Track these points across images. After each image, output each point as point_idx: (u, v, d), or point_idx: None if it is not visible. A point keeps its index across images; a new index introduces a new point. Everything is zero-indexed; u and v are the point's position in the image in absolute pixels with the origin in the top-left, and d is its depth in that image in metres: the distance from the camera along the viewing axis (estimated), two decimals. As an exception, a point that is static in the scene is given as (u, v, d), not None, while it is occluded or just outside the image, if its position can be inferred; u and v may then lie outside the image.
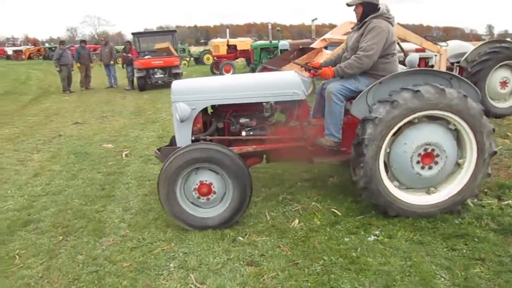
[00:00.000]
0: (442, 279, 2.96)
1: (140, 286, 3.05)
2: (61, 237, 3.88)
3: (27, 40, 72.58)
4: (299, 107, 4.24)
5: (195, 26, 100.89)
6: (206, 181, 3.76)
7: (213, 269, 3.22)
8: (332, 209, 4.08)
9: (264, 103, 4.09)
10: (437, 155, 3.72)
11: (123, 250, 3.58)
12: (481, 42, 8.72)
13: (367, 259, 3.21)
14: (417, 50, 7.89)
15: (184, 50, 27.38)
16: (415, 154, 3.70)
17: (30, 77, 23.57)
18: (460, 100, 3.59)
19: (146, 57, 15.64)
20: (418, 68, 4.07)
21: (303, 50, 8.25)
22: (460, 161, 3.85)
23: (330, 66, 4.08)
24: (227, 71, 18.59)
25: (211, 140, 4.15)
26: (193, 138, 4.14)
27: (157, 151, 4.29)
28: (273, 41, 16.75)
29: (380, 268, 3.09)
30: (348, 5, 4.08)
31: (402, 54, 7.51)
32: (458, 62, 8.37)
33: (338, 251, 3.35)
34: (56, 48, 17.11)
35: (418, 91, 3.54)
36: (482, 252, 3.25)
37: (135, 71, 15.30)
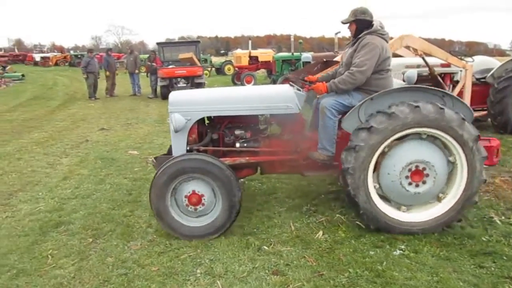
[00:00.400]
0: (470, 296, 2.95)
1: (168, 290, 3.13)
2: (91, 239, 4.00)
3: (53, 47, 74.84)
4: (293, 120, 4.31)
5: (216, 36, 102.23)
6: (196, 191, 3.85)
7: (239, 276, 3.27)
8: (357, 222, 4.09)
9: (259, 116, 4.18)
10: (426, 171, 3.74)
11: (151, 254, 3.67)
12: (507, 58, 8.63)
13: (393, 273, 3.21)
14: (442, 65, 7.85)
15: (206, 60, 27.80)
16: (404, 170, 3.73)
17: (57, 83, 24.29)
18: (438, 114, 3.58)
19: (170, 66, 15.95)
20: (410, 85, 4.06)
21: (327, 63, 8.29)
22: (441, 195, 3.87)
23: (324, 82, 4.13)
24: (248, 82, 18.78)
25: (204, 151, 4.25)
26: (188, 148, 4.23)
27: (154, 160, 4.40)
28: (295, 53, 16.86)
29: (406, 282, 3.09)
30: (343, 23, 4.20)
31: (427, 69, 7.50)
32: (484, 78, 8.31)
33: (363, 264, 3.36)
34: (84, 56, 17.61)
35: (392, 112, 3.59)
36: (511, 270, 3.21)
37: (158, 80, 15.62)
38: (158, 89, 16.06)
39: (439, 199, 3.87)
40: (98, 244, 3.91)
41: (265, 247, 3.71)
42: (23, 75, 26.78)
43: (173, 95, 4.34)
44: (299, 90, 4.27)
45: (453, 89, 7.89)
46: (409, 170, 3.73)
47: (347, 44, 4.39)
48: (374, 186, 3.82)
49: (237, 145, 4.32)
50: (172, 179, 3.80)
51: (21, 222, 4.48)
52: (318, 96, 4.38)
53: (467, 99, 7.73)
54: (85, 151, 7.70)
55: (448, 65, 7.77)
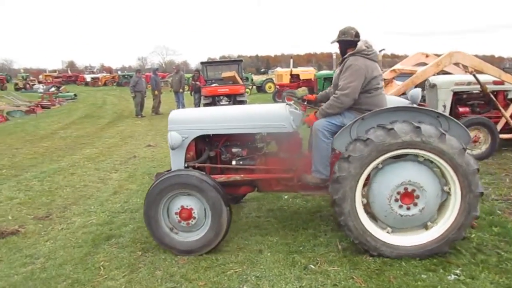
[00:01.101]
0: (535, 327, 2.75)
1: (216, 306, 3.14)
2: (140, 253, 4.12)
3: (102, 68, 78.72)
4: (289, 139, 4.31)
5: (256, 55, 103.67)
6: (187, 206, 3.93)
7: (286, 295, 3.24)
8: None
9: (255, 134, 4.26)
10: (416, 194, 3.60)
11: (197, 269, 3.72)
12: None
13: (448, 299, 3.06)
14: (495, 83, 7.54)
15: (247, 78, 28.23)
16: (393, 193, 3.61)
17: (106, 102, 25.50)
18: (437, 138, 3.44)
19: (213, 85, 16.33)
20: (403, 105, 3.94)
21: (372, 81, 8.21)
22: (429, 224, 3.72)
23: (314, 112, 4.16)
24: (289, 100, 18.80)
25: (201, 168, 4.33)
26: (186, 165, 4.32)
27: (155, 176, 4.49)
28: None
29: (463, 309, 2.94)
30: (331, 43, 4.25)
31: (478, 86, 7.24)
32: (540, 96, 7.89)
33: (415, 287, 3.23)
34: (133, 76, 18.40)
35: (368, 138, 3.51)
36: None
37: (202, 98, 16.02)
38: (202, 107, 16.45)
39: (426, 227, 3.72)
40: (147, 257, 4.01)
41: (311, 266, 3.66)
42: (75, 95, 28.35)
43: (173, 114, 4.49)
44: (296, 109, 4.30)
45: (507, 108, 7.55)
46: (398, 193, 3.62)
47: (338, 64, 4.40)
48: (362, 201, 3.72)
49: (233, 162, 4.39)
50: (162, 195, 3.93)
51: (75, 234, 4.69)
52: (307, 112, 4.42)
53: (522, 118, 7.38)
54: (133, 166, 7.99)
55: (502, 83, 7.46)
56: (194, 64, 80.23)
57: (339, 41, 4.15)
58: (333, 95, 3.97)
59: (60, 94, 28.02)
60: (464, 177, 3.50)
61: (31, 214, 5.42)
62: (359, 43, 4.03)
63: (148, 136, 11.86)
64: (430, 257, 3.65)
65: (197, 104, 16.97)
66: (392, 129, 3.49)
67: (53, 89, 30.81)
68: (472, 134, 7.25)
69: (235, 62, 18.89)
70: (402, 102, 4.41)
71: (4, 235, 4.66)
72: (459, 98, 7.82)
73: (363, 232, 3.66)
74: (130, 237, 4.51)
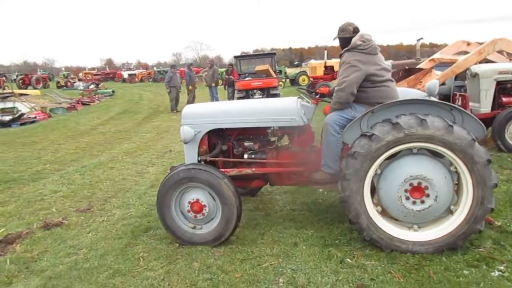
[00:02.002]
0: None
1: (252, 298, 3.17)
2: (177, 244, 4.19)
3: (139, 65, 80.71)
4: (300, 133, 4.29)
5: (290, 48, 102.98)
6: (198, 199, 4.00)
7: (323, 288, 3.22)
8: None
9: (267, 128, 4.26)
10: (427, 190, 3.46)
11: (233, 261, 3.76)
12: None
13: (492, 296, 2.95)
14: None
15: (280, 71, 28.11)
16: (403, 185, 3.50)
17: (142, 98, 26.15)
18: (445, 131, 3.32)
19: (247, 78, 16.38)
20: (414, 98, 3.75)
21: (410, 71, 7.98)
22: (453, 207, 3.54)
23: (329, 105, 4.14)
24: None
25: (213, 161, 4.38)
26: (199, 158, 4.37)
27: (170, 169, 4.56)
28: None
29: (508, 307, 2.82)
30: (334, 40, 4.28)
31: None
32: None
33: (457, 283, 3.12)
34: (168, 71, 18.75)
35: (373, 134, 3.46)
36: None
37: (236, 92, 16.11)
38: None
39: (451, 212, 3.57)
40: (184, 249, 4.09)
41: (348, 259, 3.62)
42: (113, 91, 29.25)
43: (186, 109, 4.56)
44: (308, 102, 4.25)
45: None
46: (406, 191, 3.52)
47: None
48: (377, 210, 3.65)
49: (245, 156, 4.40)
50: (174, 188, 4.02)
51: (115, 226, 4.86)
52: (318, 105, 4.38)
53: None
54: (169, 160, 8.16)
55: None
56: (227, 58, 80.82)
57: (338, 39, 4.16)
58: (334, 93, 3.99)
59: (99, 91, 29.02)
60: (475, 169, 3.36)
61: (74, 207, 5.66)
62: (353, 39, 3.99)
63: (183, 130, 12.05)
64: (470, 248, 3.59)
65: (231, 98, 17.08)
66: (397, 123, 3.41)
67: (92, 86, 31.96)
68: (518, 125, 6.90)
69: (269, 55, 18.87)
70: (417, 94, 4.28)
71: (49, 227, 4.90)
72: (502, 87, 7.43)
73: (375, 229, 3.62)
74: (167, 229, 4.60)
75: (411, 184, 3.52)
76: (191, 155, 4.43)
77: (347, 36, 4.07)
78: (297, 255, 3.77)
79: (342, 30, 4.14)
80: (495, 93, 7.31)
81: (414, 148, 3.54)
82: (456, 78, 8.24)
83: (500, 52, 7.13)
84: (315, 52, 78.62)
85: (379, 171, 3.65)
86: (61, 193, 6.35)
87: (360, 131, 3.69)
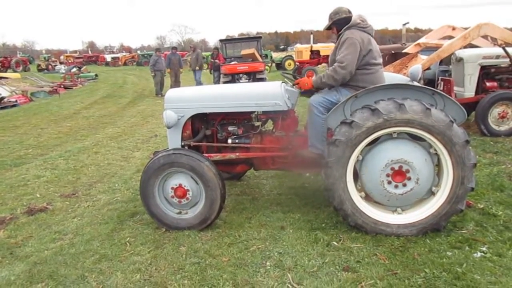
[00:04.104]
0: None
1: (239, 281, 3.19)
2: (164, 229, 4.18)
3: (122, 48, 79.09)
4: (284, 118, 4.30)
5: (276, 32, 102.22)
6: (182, 184, 3.99)
7: (309, 271, 3.25)
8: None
9: (250, 113, 4.26)
10: (409, 173, 3.53)
11: (221, 245, 3.77)
12: None
13: (474, 276, 3.02)
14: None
15: (266, 55, 27.93)
16: (385, 169, 3.55)
17: (126, 82, 25.74)
18: (423, 114, 3.36)
19: (232, 63, 16.22)
20: (398, 83, 3.80)
21: (396, 55, 8.01)
22: (434, 189, 3.61)
23: (307, 75, 4.02)
24: (310, 76, 18.57)
25: (196, 146, 4.36)
26: (182, 143, 4.35)
27: (153, 154, 4.53)
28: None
29: (490, 287, 2.90)
30: (324, 29, 4.24)
31: (507, 59, 6.96)
32: None
33: (440, 264, 3.19)
34: (152, 55, 18.42)
35: (353, 121, 3.48)
36: None
37: (221, 76, 15.96)
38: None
39: (433, 193, 3.65)
40: (171, 233, 4.08)
41: (334, 242, 3.66)
42: (96, 75, 28.65)
43: (169, 93, 4.52)
44: (292, 87, 4.24)
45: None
46: (388, 175, 3.58)
47: (334, 43, 4.30)
48: (361, 196, 3.71)
49: (229, 141, 4.40)
50: (157, 173, 4.01)
51: (101, 211, 4.81)
52: (301, 91, 4.30)
53: (554, 92, 7.08)
54: (154, 145, 8.08)
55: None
56: (213, 42, 79.86)
57: (334, 23, 4.08)
58: (331, 67, 3.91)
59: (81, 74, 28.35)
60: (454, 149, 3.43)
61: (58, 192, 5.58)
62: (353, 17, 3.98)
63: (169, 115, 11.92)
64: (453, 230, 3.68)
65: (216, 82, 16.95)
66: (376, 109, 3.43)
67: (74, 69, 31.20)
68: (500, 109, 7.03)
69: (254, 39, 18.69)
70: (400, 79, 4.29)
71: (33, 212, 4.82)
72: (486, 72, 7.53)
73: (360, 215, 3.67)
74: (154, 214, 4.58)
75: (392, 169, 3.57)
76: (174, 140, 4.39)
77: (344, 17, 4.02)
78: (284, 238, 3.80)
79: (336, 13, 4.07)
80: (479, 77, 7.40)
81: (394, 132, 3.58)
82: (441, 63, 8.31)
83: (485, 37, 7.18)
84: (301, 36, 78.24)
85: (360, 157, 3.68)
86: (44, 178, 6.24)
87: (344, 115, 3.71)
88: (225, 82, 15.66)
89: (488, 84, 7.49)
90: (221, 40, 18.01)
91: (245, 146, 4.39)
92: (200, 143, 4.47)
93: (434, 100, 3.58)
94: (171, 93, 4.54)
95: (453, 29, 7.93)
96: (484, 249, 3.40)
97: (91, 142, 8.69)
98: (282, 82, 4.40)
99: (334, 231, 3.89)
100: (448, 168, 3.52)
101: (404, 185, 3.59)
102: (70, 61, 45.44)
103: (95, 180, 6.02)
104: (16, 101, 16.09)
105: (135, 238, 4.04)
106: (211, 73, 17.86)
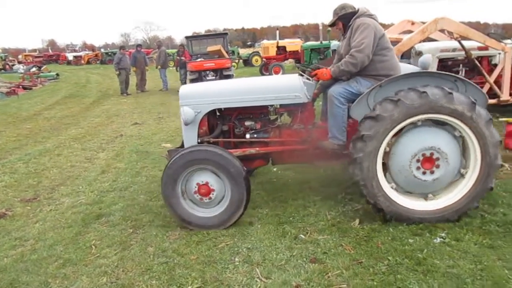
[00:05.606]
0: (517, 284, 2.85)
1: (208, 278, 3.18)
2: (131, 230, 4.12)
3: (85, 46, 76.84)
4: (303, 110, 4.28)
5: (243, 28, 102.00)
6: (206, 182, 3.88)
7: (277, 264, 3.29)
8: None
9: (268, 106, 4.21)
10: (438, 159, 3.62)
11: (189, 243, 3.74)
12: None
13: (434, 261, 3.15)
14: (479, 49, 7.55)
15: (233, 52, 27.81)
16: (414, 158, 3.63)
17: (90, 81, 24.99)
18: (446, 98, 3.46)
19: (199, 59, 16.06)
20: (420, 71, 3.90)
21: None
22: (463, 170, 3.73)
23: (325, 69, 4.06)
24: (277, 72, 18.70)
25: (215, 142, 4.27)
26: (199, 140, 4.27)
27: (167, 153, 4.42)
28: (323, 42, 16.64)
29: (448, 270, 3.03)
30: (329, 25, 4.23)
31: (463, 52, 7.24)
32: (524, 60, 7.92)
33: (403, 251, 3.31)
34: (117, 53, 17.96)
35: (399, 99, 3.49)
36: (560, 258, 3.08)
37: (188, 73, 15.76)
38: (188, 82, 16.23)
39: (462, 175, 3.75)
40: (138, 234, 4.02)
41: (301, 235, 3.72)
42: (57, 74, 27.66)
43: (183, 89, 4.41)
44: (309, 79, 4.23)
45: (491, 73, 7.58)
46: (418, 160, 3.64)
47: (339, 40, 4.32)
48: (392, 187, 3.76)
49: (247, 136, 4.34)
50: (180, 171, 3.88)
51: (64, 215, 4.66)
52: (319, 82, 4.30)
53: (507, 83, 7.43)
54: (120, 145, 7.91)
55: (486, 48, 7.47)
56: (179, 39, 78.74)
57: (339, 18, 4.08)
58: (348, 54, 3.87)
59: (41, 74, 27.29)
60: (479, 129, 3.51)
61: (18, 197, 5.37)
62: (360, 8, 4.02)
63: (134, 114, 11.71)
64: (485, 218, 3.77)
65: (183, 80, 16.73)
66: (399, 99, 3.48)
67: (34, 69, 30.01)
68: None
69: (220, 35, 18.50)
70: (412, 68, 4.32)
71: (-8, 219, 4.62)
72: (444, 64, 7.82)
73: (379, 193, 3.67)
74: (120, 215, 4.50)
75: (423, 155, 3.61)
76: (190, 137, 4.26)
77: (350, 12, 4.02)
78: (252, 234, 3.82)
79: (342, 8, 4.06)
80: (437, 69, 7.66)
81: (419, 121, 3.63)
82: (402, 56, 8.54)
83: (442, 30, 7.43)
84: (267, 33, 78.50)
85: (387, 149, 3.70)
86: (3, 183, 5.99)
87: (367, 105, 3.72)
88: (191, 80, 15.49)
89: (446, 76, 7.75)
90: (186, 37, 17.71)
91: (264, 141, 4.32)
92: (218, 139, 4.37)
93: (456, 86, 3.65)
94: (186, 89, 4.42)
95: (412, 23, 8.14)
96: (443, 234, 3.54)
97: (53, 144, 8.40)
98: (299, 75, 4.36)
99: (302, 224, 3.95)
100: (475, 148, 3.60)
101: (432, 172, 3.65)
102: (29, 61, 43.71)
103: (57, 183, 5.83)
104: (-29, 103, 15.32)
105: (101, 241, 3.95)
106: (177, 71, 17.58)
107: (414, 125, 3.67)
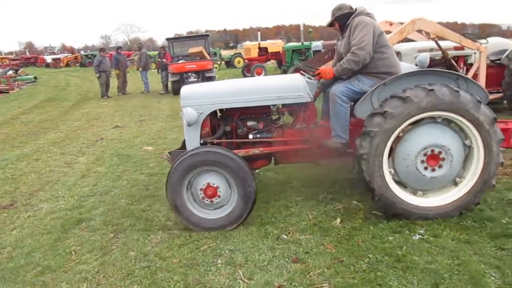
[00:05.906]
0: (492, 277, 2.93)
1: (190, 281, 3.17)
2: (112, 235, 4.07)
3: (64, 49, 75.45)
4: (306, 110, 4.30)
5: (225, 29, 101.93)
6: (211, 183, 3.86)
7: (260, 265, 3.30)
8: (374, 209, 4.07)
9: (271, 106, 4.21)
10: (443, 160, 3.69)
11: (171, 247, 3.72)
12: (523, 38, 8.44)
13: (413, 258, 3.21)
14: (455, 48, 7.73)
15: (215, 53, 27.77)
16: (423, 151, 3.68)
17: (69, 84, 24.56)
18: (453, 97, 3.52)
19: (180, 61, 15.97)
20: (423, 69, 3.96)
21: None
22: (458, 179, 3.82)
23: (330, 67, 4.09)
24: (259, 74, 18.74)
25: (218, 143, 4.26)
26: (201, 141, 4.25)
27: (168, 155, 4.41)
28: (305, 43, 16.75)
29: (427, 266, 3.09)
30: (327, 26, 4.26)
31: (440, 52, 7.39)
32: (499, 60, 8.14)
33: (383, 249, 3.36)
34: (97, 55, 17.69)
35: (407, 97, 3.54)
36: (533, 251, 3.18)
37: (169, 75, 15.67)
38: (169, 84, 16.11)
39: (455, 183, 3.83)
40: (120, 238, 3.98)
41: (283, 236, 3.74)
42: (35, 77, 27.08)
43: (185, 89, 4.36)
44: (310, 79, 4.24)
45: (467, 72, 7.76)
46: (425, 154, 3.69)
47: (337, 39, 4.37)
48: (390, 172, 3.79)
49: (250, 136, 4.33)
50: (186, 173, 3.83)
51: (43, 221, 4.57)
52: (320, 82, 4.30)
53: (482, 82, 7.59)
54: (100, 149, 7.80)
55: (462, 48, 7.65)
56: (160, 41, 78.21)
57: (336, 19, 4.11)
58: (349, 52, 3.89)
59: (18, 77, 26.65)
60: (484, 128, 3.58)
61: (-5, 203, 5.24)
62: (357, 7, 4.05)
63: (115, 117, 11.56)
64: (463, 214, 3.82)
65: (164, 82, 16.61)
66: (407, 97, 3.52)
67: (10, 72, 29.22)
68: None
69: (202, 37, 18.48)
70: (410, 67, 4.36)
71: (-33, 227, 4.50)
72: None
73: (386, 190, 3.71)
74: (101, 220, 4.44)
75: (432, 151, 3.66)
76: (193, 139, 4.20)
77: (346, 12, 4.05)
78: (235, 235, 3.82)
79: (339, 8, 4.09)
80: (415, 70, 7.80)
81: (424, 118, 3.66)
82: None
83: (419, 31, 7.57)
84: (250, 34, 78.62)
85: (401, 135, 3.71)
86: (-21, 190, 5.84)
87: (371, 104, 3.75)
88: (173, 82, 15.42)
89: (424, 75, 7.90)
90: (168, 39, 17.61)
91: (267, 141, 4.31)
92: (221, 140, 4.34)
93: (457, 83, 3.69)
94: (188, 89, 4.36)
95: (391, 24, 8.26)
96: (422, 231, 3.61)
97: (31, 148, 8.23)
98: (300, 74, 4.36)
99: (284, 224, 3.97)
100: (479, 147, 3.66)
101: (433, 170, 3.70)
102: (5, 63, 42.52)
103: (36, 189, 5.71)
104: None
105: (81, 246, 3.89)
106: (158, 73, 17.43)
107: (433, 119, 3.70)
